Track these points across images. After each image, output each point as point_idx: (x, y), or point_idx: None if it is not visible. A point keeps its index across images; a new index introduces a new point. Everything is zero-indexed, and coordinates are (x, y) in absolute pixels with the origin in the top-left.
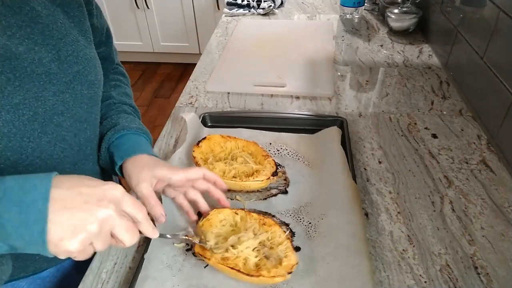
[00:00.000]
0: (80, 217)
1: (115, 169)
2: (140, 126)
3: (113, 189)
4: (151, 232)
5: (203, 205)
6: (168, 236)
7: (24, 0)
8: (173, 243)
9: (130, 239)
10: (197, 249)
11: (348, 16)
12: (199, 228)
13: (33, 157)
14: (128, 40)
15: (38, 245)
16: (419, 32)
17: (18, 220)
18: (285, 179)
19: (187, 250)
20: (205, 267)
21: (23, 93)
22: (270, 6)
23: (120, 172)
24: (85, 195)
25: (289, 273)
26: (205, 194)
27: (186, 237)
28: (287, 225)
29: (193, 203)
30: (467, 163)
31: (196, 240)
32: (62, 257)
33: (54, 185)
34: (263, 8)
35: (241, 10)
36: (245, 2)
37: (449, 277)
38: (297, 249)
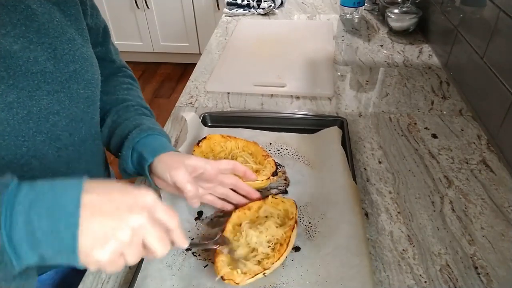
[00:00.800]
0: (111, 224)
1: (144, 167)
2: (162, 129)
3: (145, 195)
4: (183, 241)
5: (235, 197)
6: (199, 244)
7: None
8: None
9: (162, 249)
10: (225, 275)
11: (348, 16)
12: (226, 237)
13: (28, 156)
14: (128, 40)
15: (69, 253)
16: (419, 32)
17: (48, 226)
18: (285, 179)
19: (187, 250)
20: (204, 267)
21: (17, 92)
22: (270, 6)
23: (148, 171)
24: (117, 201)
25: (223, 276)
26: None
27: (216, 246)
28: None
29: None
30: (467, 163)
31: (225, 250)
32: (92, 268)
33: (85, 190)
34: (263, 8)
35: (241, 10)
36: (245, 2)
37: (449, 277)
38: (296, 249)
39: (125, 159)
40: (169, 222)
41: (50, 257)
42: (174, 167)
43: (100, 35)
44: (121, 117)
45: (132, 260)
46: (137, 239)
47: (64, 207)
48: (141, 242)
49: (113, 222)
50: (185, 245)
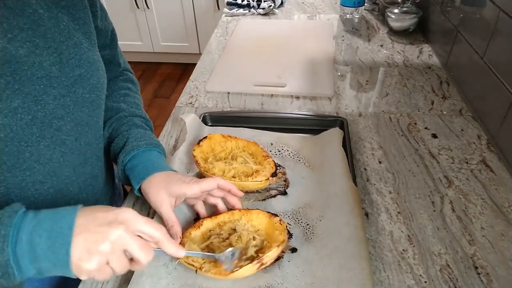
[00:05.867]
0: (93, 238)
1: (134, 192)
2: (151, 140)
3: (125, 212)
4: (175, 251)
5: (223, 208)
6: (197, 254)
7: (27, 2)
8: None
9: (144, 257)
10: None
11: (348, 16)
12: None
13: (31, 161)
14: (128, 40)
15: (63, 266)
16: (419, 32)
17: (46, 244)
18: (285, 180)
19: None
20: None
21: (22, 97)
22: (270, 6)
23: (139, 193)
24: (100, 219)
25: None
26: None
27: (210, 253)
28: None
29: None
30: (467, 163)
31: (222, 257)
32: (83, 277)
33: (79, 214)
34: (263, 8)
35: (241, 10)
36: (245, 2)
37: (449, 277)
38: (293, 250)
39: (121, 181)
40: (153, 233)
41: (47, 270)
42: (159, 204)
43: (108, 38)
44: (114, 131)
45: (118, 268)
46: (118, 249)
47: (60, 229)
48: (123, 252)
49: (95, 237)
50: (180, 254)
